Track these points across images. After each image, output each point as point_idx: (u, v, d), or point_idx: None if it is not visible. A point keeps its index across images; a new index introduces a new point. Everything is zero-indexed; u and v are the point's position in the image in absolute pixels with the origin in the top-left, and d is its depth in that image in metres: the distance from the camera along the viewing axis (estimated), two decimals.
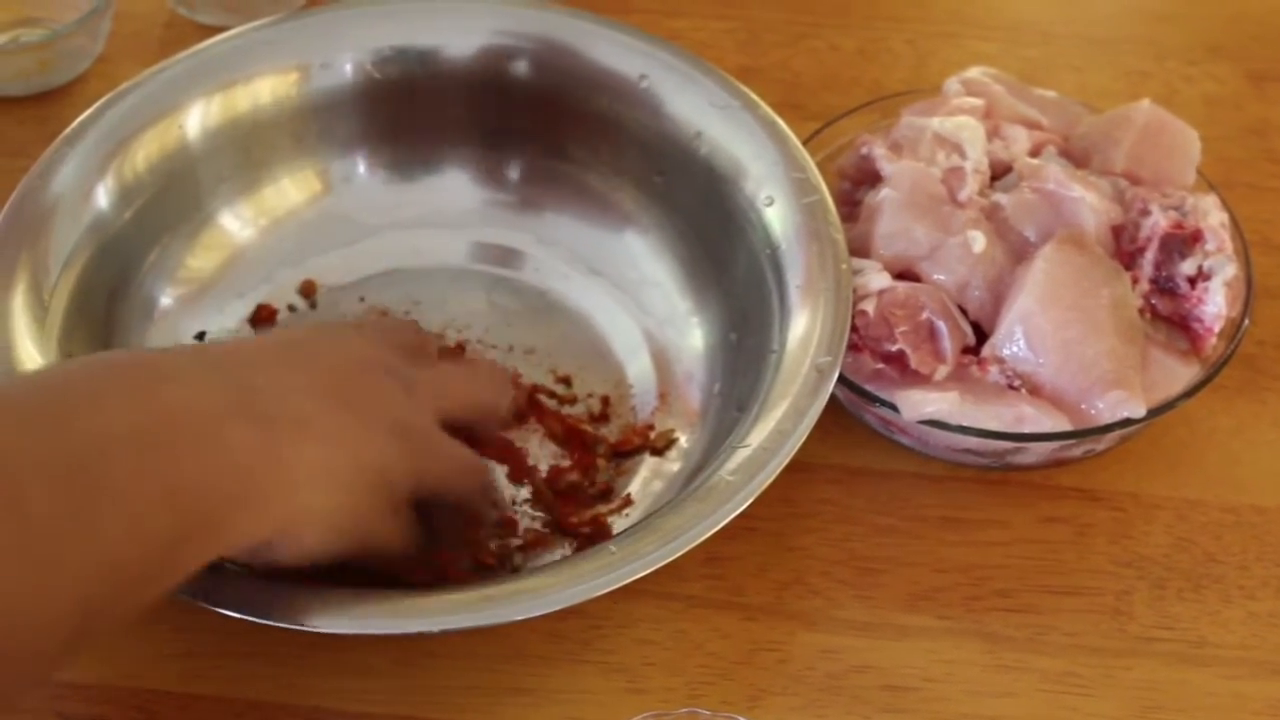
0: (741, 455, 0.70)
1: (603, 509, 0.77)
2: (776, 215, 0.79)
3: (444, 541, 0.73)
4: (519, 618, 0.65)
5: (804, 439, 0.70)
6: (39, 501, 0.54)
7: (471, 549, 0.75)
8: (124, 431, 0.58)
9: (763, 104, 0.82)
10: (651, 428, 0.80)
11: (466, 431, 0.72)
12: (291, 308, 0.84)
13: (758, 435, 0.70)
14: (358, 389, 0.68)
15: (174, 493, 0.58)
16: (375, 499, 0.66)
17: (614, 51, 0.85)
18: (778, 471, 0.69)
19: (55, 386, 0.60)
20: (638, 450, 0.79)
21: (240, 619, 0.65)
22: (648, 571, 0.66)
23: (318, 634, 0.66)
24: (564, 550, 0.76)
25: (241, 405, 0.62)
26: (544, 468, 0.79)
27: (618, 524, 0.76)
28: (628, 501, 0.77)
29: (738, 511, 0.68)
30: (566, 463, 0.79)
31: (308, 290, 0.85)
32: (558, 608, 0.66)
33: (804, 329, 0.74)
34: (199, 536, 0.60)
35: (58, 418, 0.57)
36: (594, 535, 0.76)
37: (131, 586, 0.58)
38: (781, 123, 0.81)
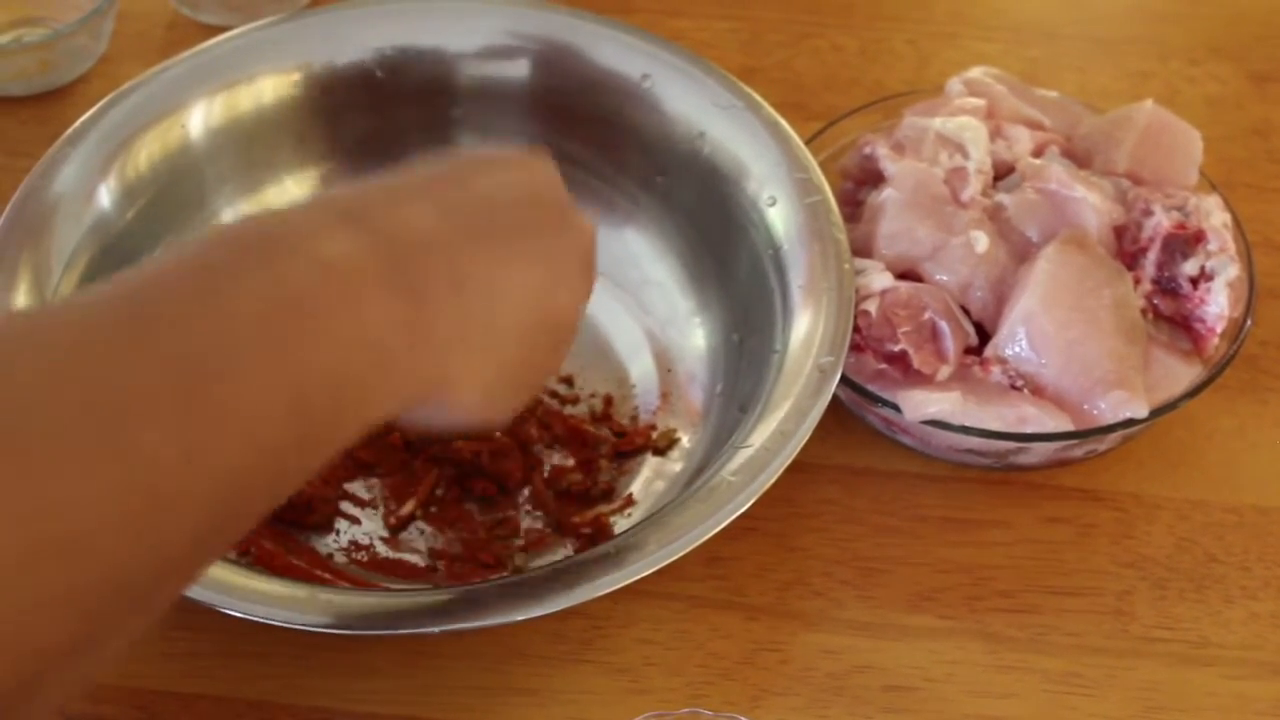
0: (743, 456, 0.70)
1: (605, 509, 0.77)
2: (779, 215, 0.79)
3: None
4: (520, 618, 0.65)
5: (806, 439, 0.70)
6: (149, 437, 0.47)
7: None
8: (246, 330, 0.50)
9: (765, 104, 0.82)
10: (653, 428, 0.80)
11: None
12: None
13: (760, 435, 0.70)
14: (513, 224, 0.62)
15: (300, 397, 0.51)
16: (549, 344, 0.62)
17: (616, 52, 0.85)
18: (780, 472, 0.69)
19: (169, 272, 0.52)
20: (640, 450, 0.79)
21: (242, 619, 0.65)
22: (649, 572, 0.66)
23: (320, 634, 0.66)
24: (566, 550, 0.76)
25: (382, 272, 0.55)
26: (546, 467, 0.79)
27: (620, 524, 0.76)
28: (629, 501, 0.77)
29: (739, 512, 0.68)
30: (569, 462, 0.79)
31: None
32: (559, 608, 0.66)
33: (806, 329, 0.74)
34: (333, 431, 0.54)
35: (167, 321, 0.50)
36: (596, 535, 0.76)
37: (255, 495, 0.52)
38: (784, 123, 0.81)
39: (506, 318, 0.60)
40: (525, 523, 0.77)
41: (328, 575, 0.73)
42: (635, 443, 0.79)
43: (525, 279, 0.60)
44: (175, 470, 0.47)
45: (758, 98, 0.83)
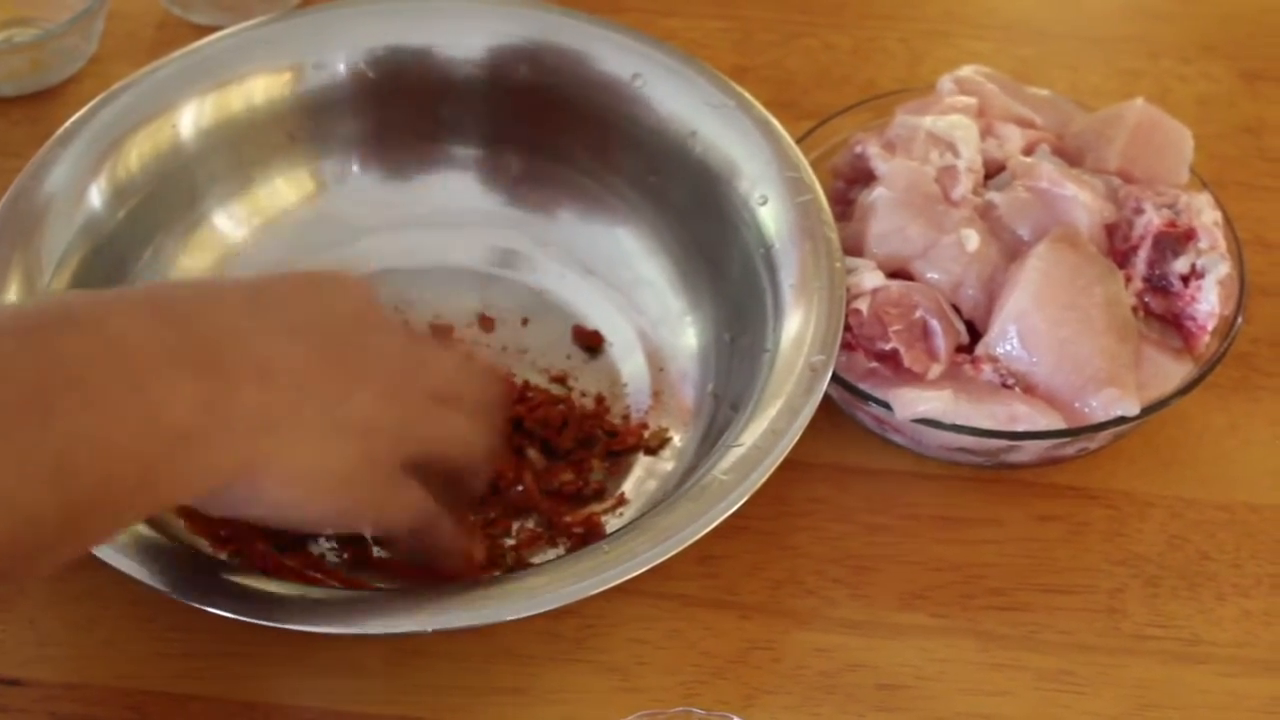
0: (735, 454, 0.70)
1: (597, 508, 0.77)
2: (770, 214, 0.79)
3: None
4: (512, 617, 0.65)
5: (798, 438, 0.70)
6: None
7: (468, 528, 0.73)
8: (16, 398, 0.52)
9: (757, 103, 0.82)
10: (645, 427, 0.80)
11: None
12: None
13: (751, 434, 0.70)
14: (348, 341, 0.63)
15: (64, 469, 0.52)
16: (362, 460, 0.62)
17: (608, 51, 0.85)
18: (771, 470, 0.69)
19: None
20: (631, 450, 0.79)
21: (233, 619, 0.65)
22: (641, 571, 0.66)
23: (310, 634, 0.66)
24: (558, 550, 0.76)
25: (177, 351, 0.56)
26: (538, 466, 0.79)
27: (611, 523, 0.76)
28: (621, 500, 0.77)
29: (731, 510, 0.68)
30: (560, 462, 0.79)
31: None
32: (551, 607, 0.66)
33: (798, 328, 0.74)
34: (108, 507, 0.55)
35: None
36: (588, 535, 0.75)
37: (14, 558, 0.53)
38: (775, 122, 0.81)
39: (318, 413, 0.60)
40: (517, 522, 0.77)
41: (319, 575, 0.73)
42: (627, 442, 0.79)
43: (338, 388, 0.62)
44: None
45: (749, 97, 0.83)
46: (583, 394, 0.81)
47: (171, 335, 0.57)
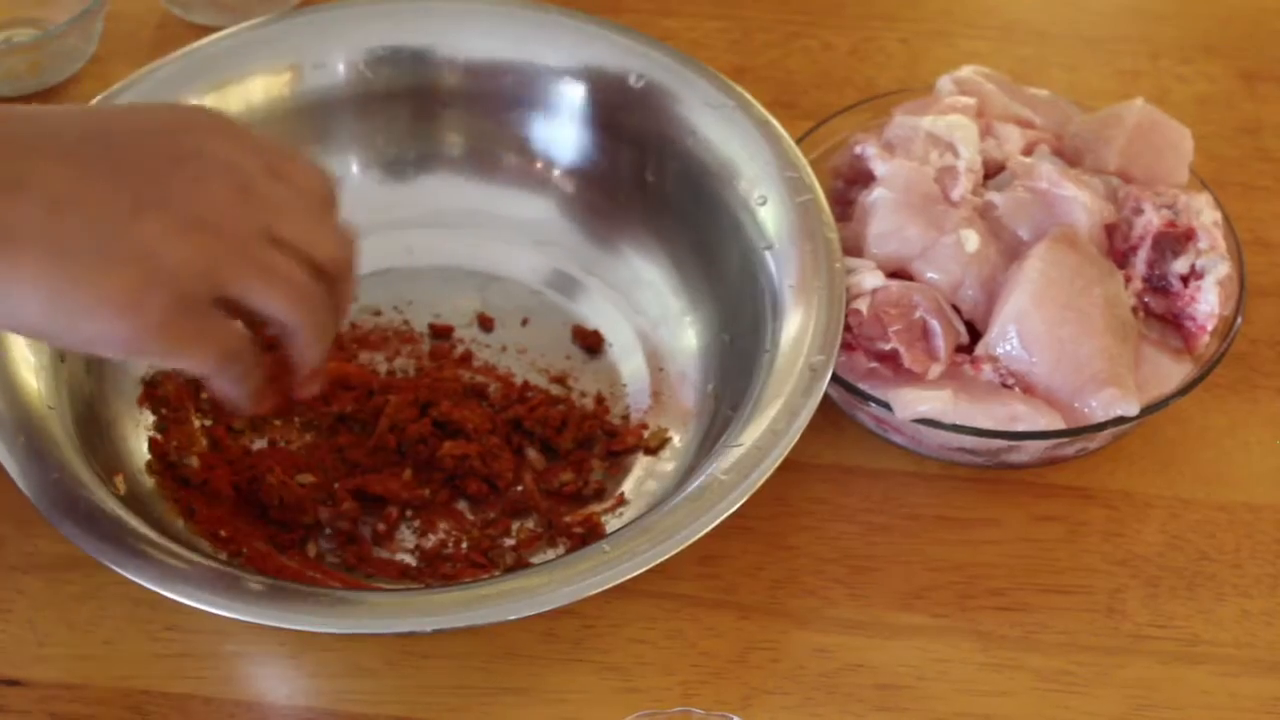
0: (735, 454, 0.70)
1: (597, 508, 0.77)
2: (770, 214, 0.79)
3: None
4: (512, 617, 0.65)
5: (797, 438, 0.70)
6: None
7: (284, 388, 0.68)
8: None
9: (756, 103, 0.82)
10: (645, 427, 0.80)
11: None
12: None
13: (751, 434, 0.70)
14: (152, 165, 0.61)
15: None
16: (142, 286, 0.59)
17: (608, 51, 0.85)
18: (771, 471, 0.69)
19: None
20: (631, 450, 0.79)
21: (232, 619, 0.65)
22: (641, 571, 0.66)
23: (310, 634, 0.66)
24: (558, 550, 0.76)
25: None
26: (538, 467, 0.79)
27: (611, 523, 0.76)
28: (621, 501, 0.77)
29: (731, 510, 0.68)
30: (560, 462, 0.79)
31: None
32: (551, 607, 0.66)
33: (797, 328, 0.74)
34: None
35: None
36: (588, 535, 0.75)
37: None
38: (775, 122, 0.81)
39: (74, 230, 0.58)
40: (516, 522, 0.77)
41: (318, 575, 0.73)
42: (627, 442, 0.79)
43: (114, 210, 0.59)
44: None
45: (749, 97, 0.83)
46: (582, 394, 0.81)
47: None
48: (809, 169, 0.80)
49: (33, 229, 0.58)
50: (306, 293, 0.63)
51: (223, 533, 0.73)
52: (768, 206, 0.79)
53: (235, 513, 0.75)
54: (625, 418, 0.81)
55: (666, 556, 0.67)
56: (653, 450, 0.79)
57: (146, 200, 0.60)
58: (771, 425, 0.70)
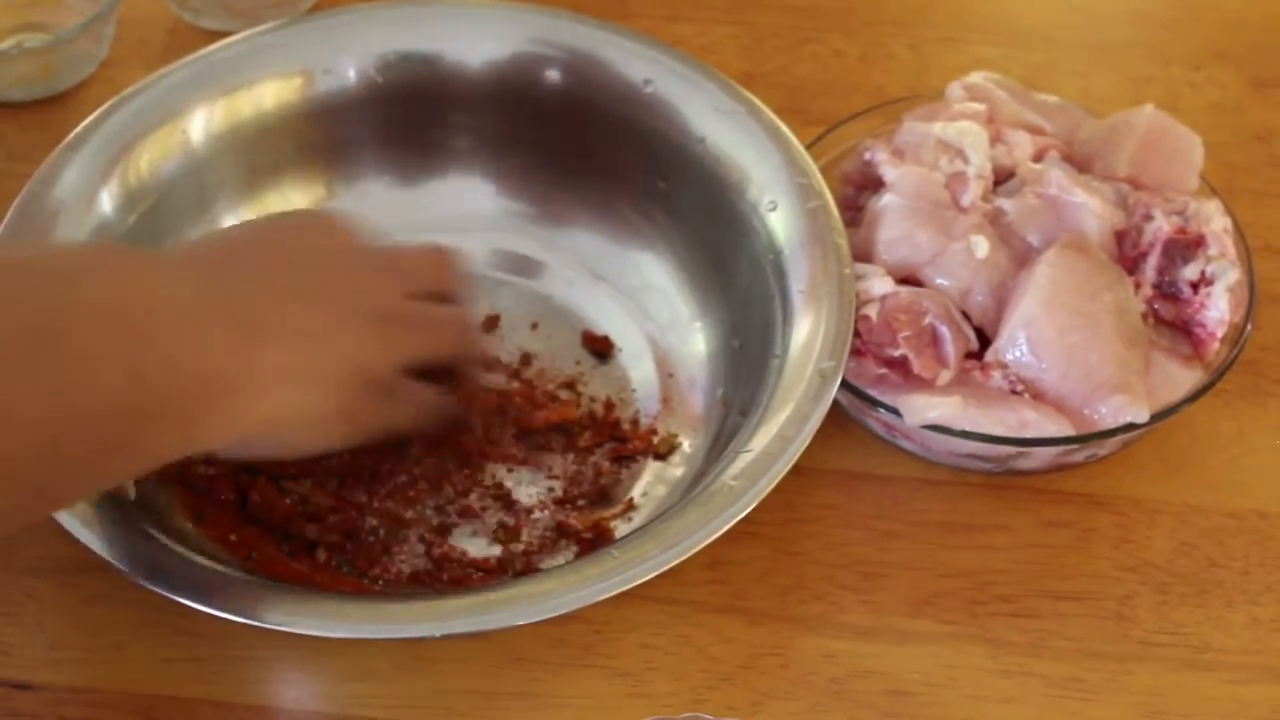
0: (744, 460, 0.70)
1: (606, 513, 0.77)
2: (779, 220, 0.79)
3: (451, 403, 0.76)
4: (520, 622, 0.65)
5: (807, 444, 0.70)
6: None
7: (478, 403, 0.78)
8: (96, 308, 0.60)
9: (766, 109, 0.82)
10: (654, 432, 0.80)
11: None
12: None
13: (760, 440, 0.70)
14: (338, 286, 0.70)
15: (140, 372, 0.60)
16: (362, 389, 0.69)
17: (619, 57, 0.85)
18: (780, 477, 0.69)
19: (35, 263, 0.62)
20: (640, 455, 0.79)
21: (242, 623, 0.65)
22: (649, 577, 0.66)
23: (319, 639, 0.66)
24: (567, 555, 0.76)
25: (219, 307, 0.64)
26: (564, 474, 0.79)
27: (621, 528, 0.76)
28: (630, 506, 0.77)
29: (739, 517, 0.68)
30: (576, 467, 0.79)
31: None
32: (559, 613, 0.66)
33: (807, 334, 0.74)
34: (167, 420, 0.62)
35: (32, 290, 0.59)
36: (597, 540, 0.76)
37: (99, 445, 0.60)
38: (785, 128, 0.81)
39: (325, 364, 0.68)
40: (526, 531, 0.77)
41: (327, 580, 0.73)
42: (636, 447, 0.79)
43: (335, 332, 0.69)
44: (17, 374, 0.56)
45: (759, 103, 0.83)
46: (592, 399, 0.82)
47: (210, 289, 0.65)
48: (819, 175, 0.80)
49: (300, 370, 0.66)
50: (453, 326, 0.77)
51: (232, 537, 0.73)
52: (778, 212, 0.79)
53: (241, 519, 0.75)
54: (635, 423, 0.81)
55: (675, 562, 0.67)
56: (662, 455, 0.79)
57: (349, 321, 0.69)
58: (781, 431, 0.70)
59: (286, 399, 0.66)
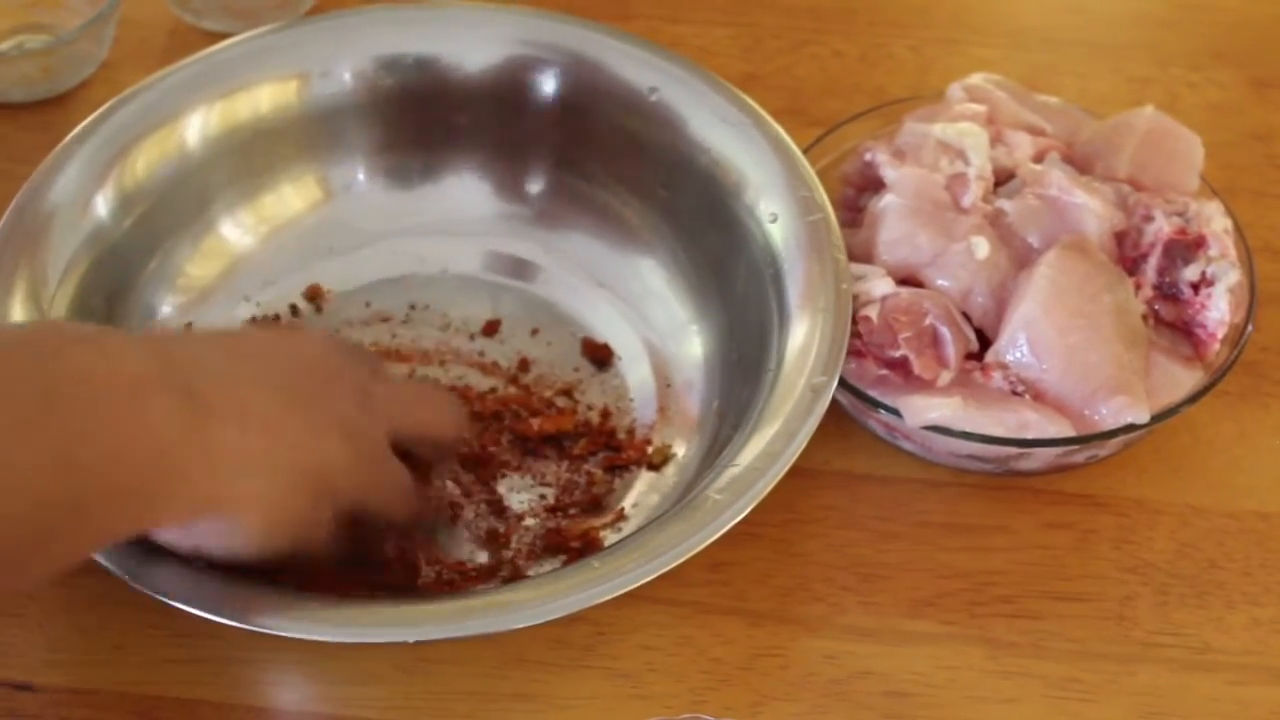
0: (730, 474, 0.69)
1: (596, 522, 0.77)
2: (779, 232, 0.79)
3: (367, 556, 0.73)
4: (489, 631, 0.66)
5: (794, 460, 0.70)
6: None
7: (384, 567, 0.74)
8: (19, 393, 0.57)
9: (771, 120, 0.82)
10: (649, 442, 0.80)
11: (411, 455, 0.72)
12: (295, 309, 0.84)
13: (748, 454, 0.70)
14: (310, 388, 0.67)
15: (67, 459, 0.57)
16: (314, 501, 0.66)
17: (625, 63, 0.84)
18: (764, 494, 0.69)
19: None
20: (634, 464, 0.79)
21: (232, 626, 0.65)
22: (620, 593, 0.66)
23: (318, 643, 0.66)
24: (554, 564, 0.75)
25: (165, 378, 0.61)
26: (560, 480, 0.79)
27: (610, 538, 0.76)
28: (621, 515, 0.77)
29: (720, 533, 0.68)
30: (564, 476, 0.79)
31: (314, 294, 0.85)
32: (528, 624, 0.66)
33: (801, 347, 0.74)
34: (108, 505, 0.59)
35: None
36: (585, 550, 0.75)
37: (29, 544, 0.57)
38: (789, 140, 0.81)
39: (286, 457, 0.64)
40: (515, 534, 0.77)
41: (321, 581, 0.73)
42: (630, 457, 0.79)
43: (303, 434, 0.65)
44: None
45: (764, 114, 0.82)
46: (589, 407, 0.81)
47: (162, 365, 0.61)
48: (821, 188, 0.79)
49: (258, 458, 0.63)
50: (412, 496, 0.71)
51: None
52: (778, 224, 0.79)
53: None
54: (630, 432, 0.80)
55: (651, 576, 0.67)
56: (656, 466, 0.79)
57: (319, 423, 0.66)
58: (769, 446, 0.70)
59: (246, 489, 0.63)
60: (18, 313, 0.74)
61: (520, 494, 0.78)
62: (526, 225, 0.87)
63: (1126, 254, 0.80)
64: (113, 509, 0.59)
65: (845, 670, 0.73)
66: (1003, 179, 0.83)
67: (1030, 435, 0.75)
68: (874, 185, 0.83)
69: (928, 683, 0.72)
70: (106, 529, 0.60)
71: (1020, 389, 0.76)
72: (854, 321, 0.75)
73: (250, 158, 0.84)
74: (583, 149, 0.86)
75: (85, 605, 0.74)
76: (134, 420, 0.59)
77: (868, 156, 0.83)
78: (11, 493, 0.56)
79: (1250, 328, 0.78)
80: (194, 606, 0.65)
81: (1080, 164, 0.84)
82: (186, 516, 0.63)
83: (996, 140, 0.83)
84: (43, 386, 0.57)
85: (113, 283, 0.79)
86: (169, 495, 0.61)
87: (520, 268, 0.86)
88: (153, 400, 0.60)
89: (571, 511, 0.77)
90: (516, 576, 0.74)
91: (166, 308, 0.82)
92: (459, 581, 0.74)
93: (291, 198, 0.86)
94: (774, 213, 0.79)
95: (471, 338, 0.84)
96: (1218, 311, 0.78)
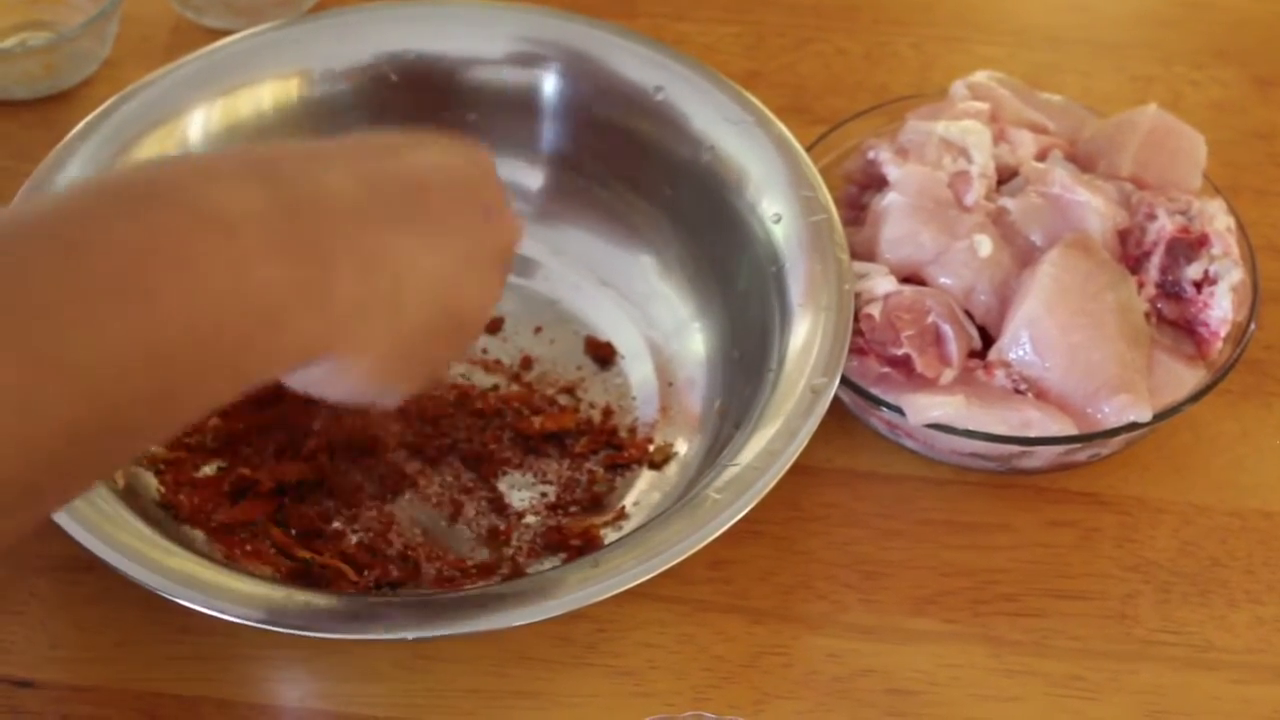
0: (730, 474, 0.69)
1: (597, 520, 0.77)
2: (782, 232, 0.79)
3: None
4: (466, 630, 0.66)
5: (794, 460, 0.70)
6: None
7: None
8: (105, 282, 0.50)
9: (775, 120, 0.82)
10: (650, 441, 0.80)
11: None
12: None
13: (748, 454, 0.70)
14: (437, 208, 0.61)
15: (162, 353, 0.51)
16: (450, 334, 0.62)
17: (631, 62, 0.84)
18: (765, 492, 0.69)
19: (66, 210, 0.53)
20: (636, 463, 0.79)
21: (241, 623, 0.65)
22: (617, 591, 0.66)
23: (320, 639, 0.66)
24: (554, 561, 0.75)
25: (281, 231, 0.54)
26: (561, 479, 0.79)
27: (610, 536, 0.76)
28: (622, 514, 0.77)
29: (722, 530, 0.68)
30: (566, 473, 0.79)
31: None
32: (529, 622, 0.66)
33: (802, 347, 0.74)
34: (203, 380, 0.53)
35: (29, 269, 0.49)
36: (585, 548, 0.75)
37: (128, 430, 0.52)
38: (793, 139, 0.81)
39: (411, 302, 0.59)
40: (516, 532, 0.77)
41: (331, 560, 0.73)
42: (632, 455, 0.79)
43: (438, 268, 0.60)
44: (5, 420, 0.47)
45: (769, 114, 0.82)
46: (591, 405, 0.81)
47: (271, 210, 0.54)
48: (825, 188, 0.79)
49: (379, 305, 0.58)
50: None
51: (243, 540, 0.74)
52: (781, 224, 0.79)
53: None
54: (632, 430, 0.80)
55: (654, 574, 0.67)
56: (657, 465, 0.79)
57: (440, 243, 0.60)
58: (769, 446, 0.70)
59: (361, 336, 0.57)
60: None
61: (521, 492, 0.78)
62: (529, 223, 0.86)
63: (1129, 252, 0.80)
64: (206, 387, 0.54)
65: (848, 668, 0.73)
66: (1006, 177, 0.83)
67: (1033, 433, 0.74)
68: (877, 183, 0.83)
69: (930, 681, 0.72)
70: (194, 410, 0.55)
71: (1023, 387, 0.76)
72: (856, 319, 0.75)
73: None
74: (586, 147, 0.86)
75: (86, 602, 0.74)
76: (234, 285, 0.53)
77: (871, 154, 0.83)
78: (86, 396, 0.49)
79: (1253, 326, 0.78)
80: (196, 603, 0.65)
81: (1083, 162, 0.84)
82: (292, 365, 0.57)
83: (999, 138, 0.83)
84: (122, 267, 0.51)
85: None
86: (276, 352, 0.55)
87: (523, 265, 0.86)
88: (259, 261, 0.53)
89: (572, 509, 0.77)
90: (517, 574, 0.74)
91: None
92: (460, 579, 0.74)
93: None
94: (777, 213, 0.79)
95: None
96: (1220, 310, 0.78)
